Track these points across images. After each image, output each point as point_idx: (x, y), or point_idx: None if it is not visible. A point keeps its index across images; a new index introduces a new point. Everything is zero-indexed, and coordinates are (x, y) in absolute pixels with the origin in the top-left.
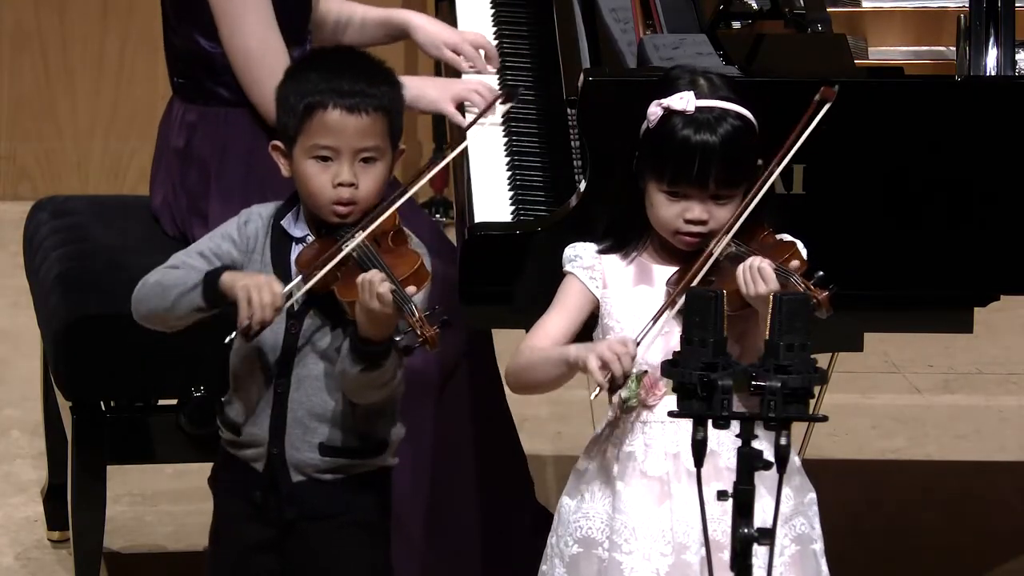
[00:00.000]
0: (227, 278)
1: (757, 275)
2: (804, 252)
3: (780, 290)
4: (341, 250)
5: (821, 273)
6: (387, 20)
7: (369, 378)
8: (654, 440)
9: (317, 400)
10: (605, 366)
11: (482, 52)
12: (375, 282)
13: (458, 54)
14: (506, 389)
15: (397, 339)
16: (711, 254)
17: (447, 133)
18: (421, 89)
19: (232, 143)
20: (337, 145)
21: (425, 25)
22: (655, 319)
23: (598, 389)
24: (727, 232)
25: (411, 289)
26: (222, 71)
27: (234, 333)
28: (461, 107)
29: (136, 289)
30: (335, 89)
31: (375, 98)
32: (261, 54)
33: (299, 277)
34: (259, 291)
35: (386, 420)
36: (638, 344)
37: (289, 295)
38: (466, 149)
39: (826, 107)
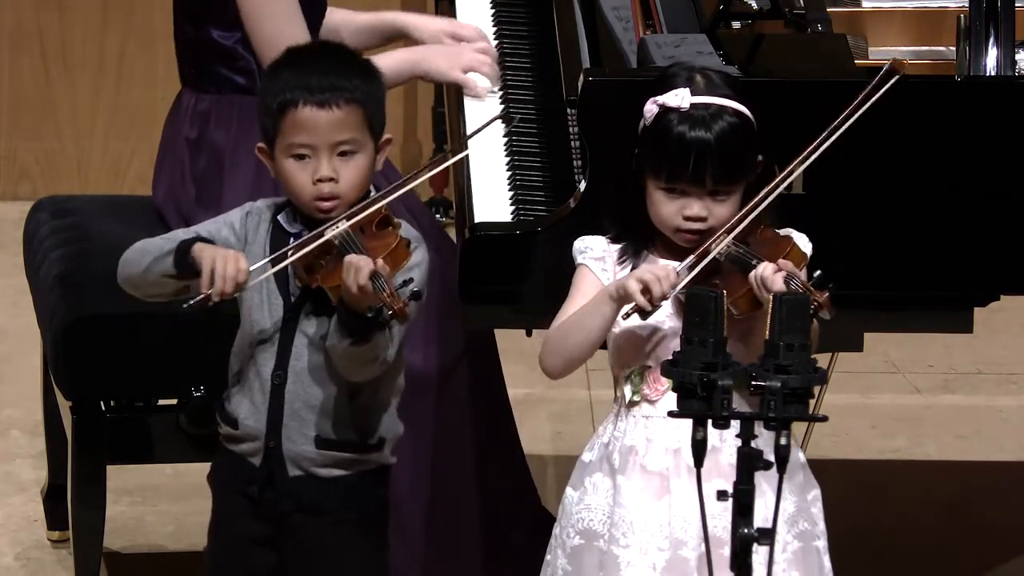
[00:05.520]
0: (198, 247)
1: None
2: (807, 245)
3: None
4: (323, 234)
5: (819, 273)
6: (377, 23)
7: (358, 352)
8: (655, 435)
9: (314, 392)
10: (646, 289)
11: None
12: (360, 269)
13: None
14: (507, 390)
15: (370, 315)
16: (720, 243)
17: (447, 133)
18: (430, 59)
19: (247, 129)
20: (312, 142)
21: (420, 22)
22: (693, 263)
23: (628, 310)
24: (737, 225)
25: (381, 266)
26: (238, 58)
27: (192, 300)
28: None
29: (124, 254)
30: (304, 86)
31: (346, 91)
32: (294, 39)
33: (268, 258)
34: (224, 263)
35: (384, 416)
36: (678, 274)
37: (256, 274)
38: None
39: (894, 79)
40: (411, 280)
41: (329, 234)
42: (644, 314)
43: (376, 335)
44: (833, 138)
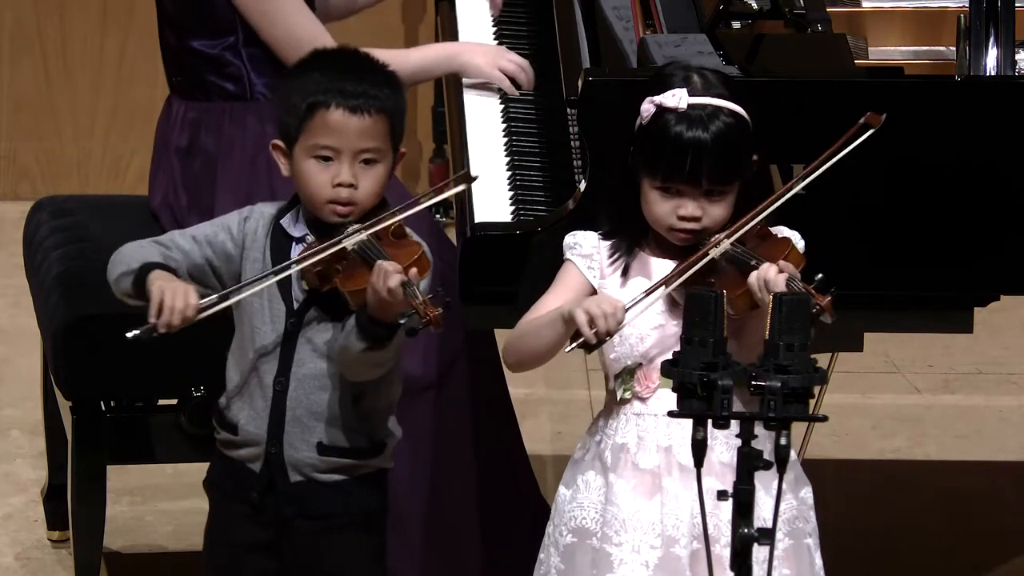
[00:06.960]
0: (153, 275)
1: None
2: (801, 244)
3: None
4: (340, 243)
5: (820, 276)
6: None
7: (370, 356)
8: (647, 433)
9: (316, 399)
10: (592, 321)
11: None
12: (390, 273)
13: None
14: (508, 390)
15: (402, 322)
16: (707, 253)
17: (447, 133)
18: (469, 54)
19: (238, 136)
20: (338, 145)
21: None
22: (648, 292)
23: (573, 344)
24: (728, 236)
25: (414, 275)
26: (227, 64)
27: (137, 330)
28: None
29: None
30: (339, 89)
31: (378, 100)
32: (311, 36)
33: (216, 296)
34: (173, 296)
35: (384, 421)
36: (627, 310)
37: (204, 309)
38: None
39: (868, 133)
40: (441, 289)
41: (347, 243)
42: (589, 348)
43: (394, 341)
44: (808, 180)
